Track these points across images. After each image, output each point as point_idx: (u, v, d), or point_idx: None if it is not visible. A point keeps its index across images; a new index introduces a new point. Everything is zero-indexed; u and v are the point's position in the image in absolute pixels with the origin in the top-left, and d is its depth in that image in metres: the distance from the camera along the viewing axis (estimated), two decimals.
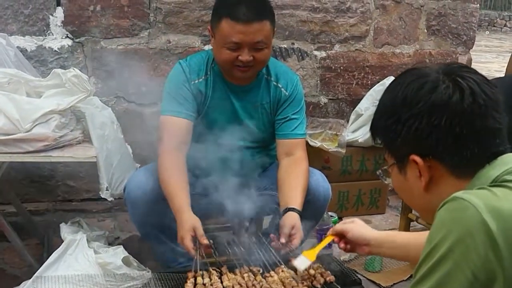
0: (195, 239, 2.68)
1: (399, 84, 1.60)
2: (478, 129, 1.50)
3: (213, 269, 2.67)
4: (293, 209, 2.84)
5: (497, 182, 1.48)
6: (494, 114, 1.52)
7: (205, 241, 2.67)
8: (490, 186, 1.47)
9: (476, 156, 1.51)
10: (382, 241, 2.27)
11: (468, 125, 1.49)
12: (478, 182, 1.51)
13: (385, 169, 1.75)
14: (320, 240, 3.58)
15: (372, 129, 1.72)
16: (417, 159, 1.54)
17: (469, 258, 1.34)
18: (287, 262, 2.71)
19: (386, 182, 1.79)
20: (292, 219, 2.79)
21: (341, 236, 2.34)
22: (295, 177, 2.99)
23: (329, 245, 3.62)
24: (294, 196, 2.91)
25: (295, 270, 2.66)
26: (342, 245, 2.35)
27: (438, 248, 1.38)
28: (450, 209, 1.41)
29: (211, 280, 2.61)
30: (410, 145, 1.56)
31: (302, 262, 2.47)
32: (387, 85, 3.59)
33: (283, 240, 2.73)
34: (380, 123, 1.65)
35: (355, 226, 2.34)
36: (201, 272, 2.64)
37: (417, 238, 2.18)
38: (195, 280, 2.61)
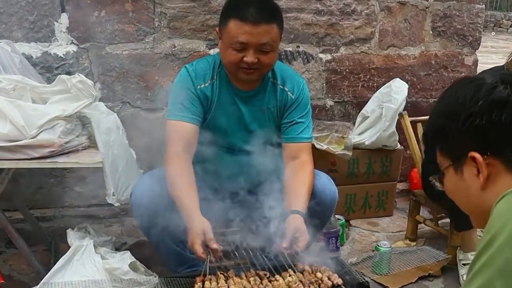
0: (205, 243, 2.68)
1: (455, 89, 1.64)
2: None
3: (220, 273, 2.67)
4: (297, 212, 2.83)
5: None
6: None
7: (214, 245, 2.66)
8: None
9: None
10: None
11: None
12: None
13: (435, 175, 1.76)
14: (326, 242, 3.57)
15: (427, 135, 1.76)
16: (476, 155, 1.56)
17: None
18: (294, 266, 2.70)
19: (440, 188, 1.79)
20: (296, 222, 2.78)
21: None
22: (300, 181, 2.99)
23: (337, 248, 3.63)
24: (298, 199, 2.90)
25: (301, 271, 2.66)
26: None
27: (496, 237, 1.39)
28: (508, 201, 1.44)
29: (218, 283, 2.61)
30: (468, 143, 1.58)
31: None
32: (393, 87, 3.60)
33: (285, 243, 2.72)
34: (436, 125, 1.68)
35: None
36: (209, 277, 2.64)
37: None
38: (203, 284, 2.60)
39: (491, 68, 3.56)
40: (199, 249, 2.65)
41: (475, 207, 1.68)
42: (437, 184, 1.79)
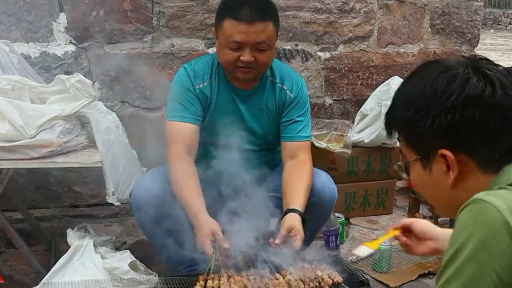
0: (213, 243, 2.69)
1: (425, 77, 1.56)
2: (510, 123, 1.49)
3: (224, 272, 2.67)
4: (294, 210, 2.83)
5: None
6: None
7: (226, 245, 2.67)
8: (510, 184, 1.45)
9: (506, 149, 1.50)
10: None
11: (501, 119, 1.48)
12: (501, 181, 1.48)
13: (400, 165, 1.72)
14: (326, 240, 3.58)
15: (390, 123, 1.68)
16: (448, 153, 1.51)
17: (493, 260, 1.33)
18: (292, 265, 2.70)
19: (403, 178, 1.76)
20: (291, 221, 2.78)
21: (406, 230, 2.26)
22: (298, 179, 2.99)
23: (337, 246, 3.62)
24: (296, 198, 2.90)
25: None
26: (403, 238, 2.24)
27: (461, 251, 1.36)
28: (472, 211, 1.39)
29: (220, 281, 2.61)
30: (439, 140, 1.52)
31: (362, 250, 2.39)
32: (392, 85, 3.59)
33: (277, 241, 2.73)
34: (403, 117, 1.60)
35: (423, 220, 2.29)
36: (212, 275, 2.64)
37: None
38: (206, 283, 2.61)
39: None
40: (209, 249, 2.67)
41: (443, 202, 1.66)
42: (403, 174, 1.76)
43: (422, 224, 2.24)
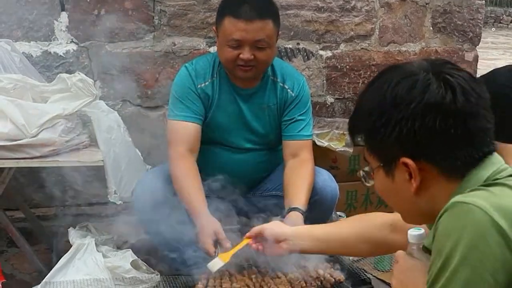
0: (215, 242, 2.69)
1: (386, 83, 1.54)
2: (472, 129, 1.47)
3: (226, 270, 2.68)
4: (296, 209, 2.83)
5: (489, 182, 1.45)
6: (485, 113, 1.49)
7: (228, 244, 2.67)
8: (482, 186, 1.44)
9: (469, 156, 1.48)
10: (300, 235, 2.30)
11: (462, 126, 1.45)
12: (469, 185, 1.47)
13: (367, 171, 1.68)
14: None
15: (353, 130, 1.66)
16: (409, 161, 1.49)
17: (486, 262, 1.31)
18: (296, 263, 2.70)
19: (368, 184, 1.72)
20: (294, 219, 2.78)
21: (259, 236, 2.38)
22: (300, 178, 2.99)
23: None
24: (298, 197, 2.90)
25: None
26: (254, 245, 2.40)
27: (451, 258, 1.34)
28: (454, 215, 1.37)
29: (222, 279, 2.61)
30: (400, 147, 1.50)
31: (214, 263, 2.51)
32: None
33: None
34: (365, 124, 1.58)
35: (272, 224, 2.37)
36: (213, 275, 2.64)
37: (336, 230, 2.23)
38: (207, 282, 2.61)
39: None
40: (211, 248, 2.67)
41: (408, 209, 1.64)
42: (366, 181, 1.72)
43: (271, 230, 2.34)
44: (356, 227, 2.23)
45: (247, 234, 2.43)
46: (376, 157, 1.60)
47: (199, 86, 3.04)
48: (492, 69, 2.49)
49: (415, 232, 1.68)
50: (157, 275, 2.92)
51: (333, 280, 2.67)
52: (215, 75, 3.08)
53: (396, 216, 2.10)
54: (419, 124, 1.46)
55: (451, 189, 1.48)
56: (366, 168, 1.68)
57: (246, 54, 2.87)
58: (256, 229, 2.38)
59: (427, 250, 1.55)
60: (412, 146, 1.48)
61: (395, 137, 1.49)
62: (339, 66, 4.48)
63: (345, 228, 2.28)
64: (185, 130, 2.99)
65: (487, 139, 1.50)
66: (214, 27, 3.03)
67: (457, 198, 1.39)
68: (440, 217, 1.40)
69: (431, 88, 1.47)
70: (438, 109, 1.45)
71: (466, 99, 1.46)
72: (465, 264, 1.32)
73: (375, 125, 1.53)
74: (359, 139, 1.63)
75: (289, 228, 2.33)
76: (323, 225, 2.42)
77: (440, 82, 1.47)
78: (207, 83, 3.06)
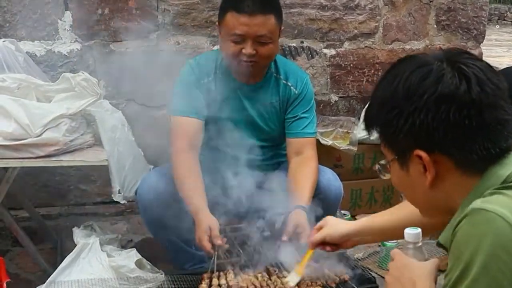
0: (211, 239, 2.69)
1: (399, 74, 1.51)
2: (488, 121, 1.43)
3: (231, 269, 2.67)
4: (300, 207, 2.83)
5: (508, 183, 1.42)
6: (502, 104, 1.45)
7: (218, 241, 2.67)
8: (502, 188, 1.41)
9: (485, 150, 1.44)
10: (361, 231, 2.27)
11: (477, 117, 1.42)
12: (489, 183, 1.44)
13: (383, 164, 1.67)
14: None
15: (368, 122, 1.64)
16: (422, 154, 1.47)
17: (506, 271, 1.29)
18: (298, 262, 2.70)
19: (384, 177, 1.71)
20: (297, 217, 2.78)
21: (323, 243, 2.35)
22: (304, 176, 2.99)
23: None
24: (302, 195, 2.90)
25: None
26: (328, 248, 2.36)
27: (471, 266, 1.31)
28: (475, 223, 1.34)
29: (227, 279, 2.61)
30: (414, 140, 1.48)
31: (292, 278, 2.52)
32: None
33: (285, 238, 2.72)
34: (378, 116, 1.56)
35: (330, 228, 2.32)
36: (216, 273, 2.64)
37: (394, 219, 2.17)
38: (211, 281, 2.61)
39: None
40: (207, 245, 2.66)
41: (423, 202, 1.63)
42: (382, 174, 1.70)
43: (331, 236, 2.31)
44: (410, 211, 2.08)
45: (310, 246, 2.40)
46: (391, 150, 1.58)
47: (202, 82, 3.05)
48: (496, 66, 2.47)
49: (411, 231, 1.69)
50: (161, 274, 2.92)
51: (338, 279, 2.66)
52: (218, 71, 3.08)
53: None
54: (432, 116, 1.43)
55: (469, 185, 1.46)
56: (382, 161, 1.67)
57: (248, 49, 2.87)
58: (316, 239, 2.34)
59: (441, 246, 1.53)
60: (426, 138, 1.46)
61: (408, 129, 1.47)
62: (343, 64, 4.48)
63: (400, 215, 2.18)
64: (187, 126, 2.99)
65: (504, 133, 1.46)
66: (217, 23, 3.03)
67: (478, 204, 1.36)
68: (459, 222, 1.38)
69: (445, 78, 1.44)
70: (451, 99, 1.42)
71: (481, 89, 1.42)
72: (485, 273, 1.30)
73: (388, 117, 1.51)
74: (374, 131, 1.62)
75: (347, 227, 2.29)
76: (379, 216, 2.32)
77: (455, 72, 1.44)
78: (210, 79, 3.06)
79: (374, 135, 1.63)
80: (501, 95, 1.46)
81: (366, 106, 1.67)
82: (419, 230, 1.67)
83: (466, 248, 1.33)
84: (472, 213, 1.35)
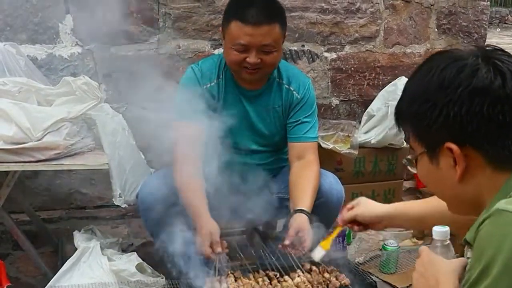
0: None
1: (433, 68, 1.52)
2: None
3: (231, 273, 2.67)
4: (301, 211, 2.83)
5: None
6: None
7: (218, 249, 2.67)
8: None
9: None
10: (394, 216, 2.24)
11: (510, 112, 1.42)
12: None
13: (409, 158, 1.67)
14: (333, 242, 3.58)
15: (399, 115, 1.64)
16: (453, 147, 1.46)
17: None
18: (302, 266, 2.70)
19: (413, 170, 1.72)
20: (299, 221, 2.78)
21: (353, 221, 2.32)
22: (305, 180, 2.98)
23: (344, 247, 3.62)
24: (303, 199, 2.90)
25: (309, 271, 2.66)
26: (356, 228, 2.33)
27: (492, 266, 1.31)
28: (498, 224, 1.34)
29: (228, 283, 2.61)
30: (446, 132, 1.47)
31: (317, 252, 2.45)
32: (399, 85, 3.53)
33: (287, 242, 2.72)
34: (410, 108, 1.56)
35: (363, 207, 2.30)
36: (218, 277, 2.64)
37: (430, 208, 2.14)
38: (213, 285, 2.61)
39: None
40: (208, 250, 2.67)
41: (451, 196, 1.62)
42: (411, 168, 1.72)
43: (363, 215, 2.28)
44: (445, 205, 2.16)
45: (339, 222, 2.35)
46: (421, 143, 1.58)
47: (204, 87, 3.04)
48: None
49: (439, 229, 1.69)
50: (162, 278, 2.92)
51: (339, 283, 2.66)
52: (220, 76, 3.07)
53: None
54: (466, 109, 1.43)
55: (498, 183, 1.46)
56: (409, 156, 1.67)
57: (252, 59, 2.86)
58: (347, 216, 2.31)
59: (467, 243, 1.52)
60: (458, 131, 1.46)
61: (440, 121, 1.47)
62: (344, 68, 4.48)
63: (437, 204, 2.05)
64: (190, 131, 2.99)
65: None
66: (220, 28, 3.02)
67: (502, 205, 1.36)
68: (483, 221, 1.38)
69: (480, 72, 1.44)
70: (486, 93, 1.42)
71: None
72: (506, 273, 1.30)
73: (422, 109, 1.51)
74: (405, 124, 1.62)
75: (380, 209, 2.27)
76: (417, 204, 2.30)
77: (490, 67, 1.44)
78: (212, 84, 3.06)
79: (402, 131, 1.64)
80: None
81: (398, 100, 1.65)
82: (447, 228, 1.67)
83: (488, 247, 1.33)
84: (495, 213, 1.35)
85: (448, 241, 1.70)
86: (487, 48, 1.53)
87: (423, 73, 1.55)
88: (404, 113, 1.61)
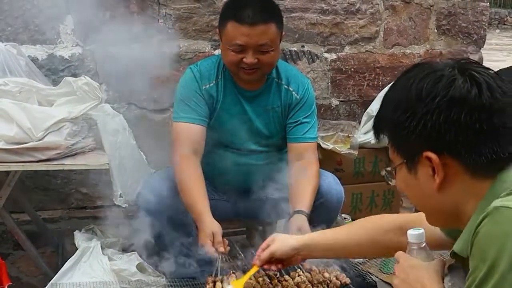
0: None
1: (411, 78, 1.54)
2: (497, 125, 1.45)
3: (232, 272, 2.68)
4: (300, 212, 2.83)
5: None
6: (511, 111, 1.48)
7: (221, 248, 2.67)
8: None
9: (494, 154, 1.46)
10: (309, 246, 2.28)
11: (487, 121, 1.44)
12: (505, 185, 1.45)
13: (389, 170, 1.68)
14: None
15: (377, 126, 1.66)
16: (432, 155, 1.48)
17: None
18: (302, 266, 2.70)
19: (391, 183, 1.72)
20: (298, 222, 2.79)
21: (271, 259, 2.33)
22: (305, 181, 2.99)
23: None
24: (303, 199, 2.90)
25: (309, 271, 2.67)
26: (274, 267, 2.35)
27: (497, 264, 1.31)
28: (497, 221, 1.35)
29: (229, 284, 2.61)
30: (424, 142, 1.49)
31: None
32: None
33: None
34: (390, 119, 1.58)
35: (278, 243, 2.31)
36: (220, 277, 2.64)
37: (344, 236, 2.20)
38: (214, 285, 2.61)
39: None
40: (210, 249, 2.67)
41: (430, 207, 1.63)
42: (389, 180, 1.72)
43: (280, 251, 2.29)
44: (365, 232, 2.18)
45: (256, 263, 2.35)
46: (400, 154, 1.60)
47: (203, 87, 3.05)
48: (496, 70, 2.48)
49: (414, 232, 1.69)
50: (162, 278, 2.93)
51: (339, 283, 2.66)
52: (219, 77, 3.08)
53: (405, 218, 2.11)
54: (444, 117, 1.46)
55: (477, 190, 1.48)
56: (389, 168, 1.69)
57: (249, 59, 2.87)
58: (264, 256, 2.31)
59: (455, 255, 1.54)
60: (436, 140, 1.48)
61: (419, 130, 1.49)
62: (343, 69, 4.48)
63: (353, 233, 2.23)
64: (189, 131, 2.99)
65: None
66: (217, 30, 3.03)
67: (498, 202, 1.37)
68: (481, 222, 1.38)
69: (456, 83, 1.47)
70: (463, 103, 1.45)
71: (491, 95, 1.46)
72: None
73: (400, 119, 1.53)
74: (383, 134, 1.64)
75: (296, 241, 2.29)
76: (332, 231, 2.36)
77: (466, 78, 1.48)
78: (211, 84, 3.06)
79: (382, 140, 1.66)
80: (510, 102, 1.49)
81: (377, 111, 1.68)
82: (422, 230, 1.68)
83: (491, 247, 1.34)
84: (494, 211, 1.36)
85: (424, 243, 1.71)
86: (463, 60, 1.56)
87: (401, 84, 1.58)
88: (383, 124, 1.64)
